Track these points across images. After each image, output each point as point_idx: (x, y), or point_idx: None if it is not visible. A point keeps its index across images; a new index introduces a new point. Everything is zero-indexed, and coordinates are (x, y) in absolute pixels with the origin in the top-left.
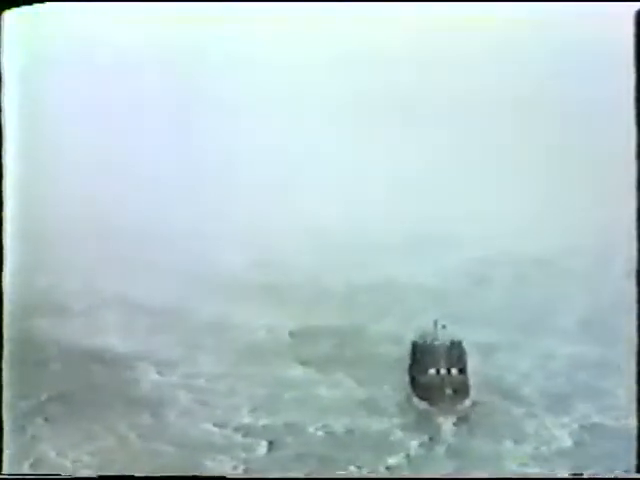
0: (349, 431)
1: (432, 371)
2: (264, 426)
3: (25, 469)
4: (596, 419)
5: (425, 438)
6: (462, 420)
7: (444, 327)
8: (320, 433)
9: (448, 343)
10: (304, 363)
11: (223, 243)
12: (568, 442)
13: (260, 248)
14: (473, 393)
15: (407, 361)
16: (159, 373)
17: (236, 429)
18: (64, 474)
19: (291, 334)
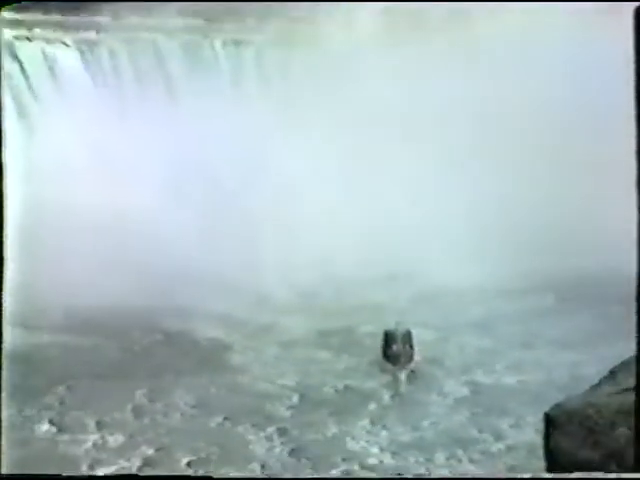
0: (347, 387)
1: (394, 346)
2: (297, 383)
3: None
4: (482, 379)
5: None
6: (410, 374)
7: (399, 324)
8: (331, 390)
9: (404, 331)
10: (322, 349)
11: None
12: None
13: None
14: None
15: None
16: None
17: (282, 386)
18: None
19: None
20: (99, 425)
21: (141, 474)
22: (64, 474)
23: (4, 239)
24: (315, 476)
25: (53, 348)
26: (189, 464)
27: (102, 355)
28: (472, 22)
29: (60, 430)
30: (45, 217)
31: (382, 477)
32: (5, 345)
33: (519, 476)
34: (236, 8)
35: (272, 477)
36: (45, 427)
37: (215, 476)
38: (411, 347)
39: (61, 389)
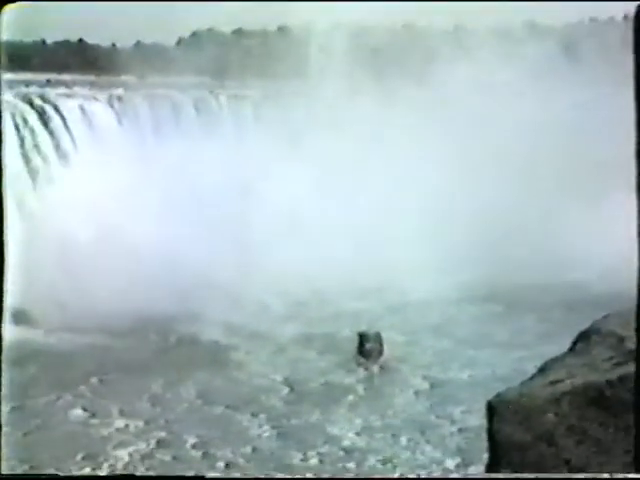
0: (329, 382)
1: (367, 345)
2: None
3: None
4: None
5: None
6: (380, 369)
7: (371, 328)
8: (315, 384)
9: (374, 332)
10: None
11: None
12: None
13: None
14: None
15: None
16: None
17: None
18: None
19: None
20: (121, 412)
21: (154, 454)
22: (63, 474)
23: (4, 239)
24: (317, 476)
25: (88, 347)
26: (194, 445)
27: (125, 353)
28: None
29: (90, 415)
30: (77, 237)
31: (382, 477)
32: (51, 344)
33: (520, 476)
34: (236, 67)
35: (272, 477)
36: (78, 412)
37: (217, 454)
38: (381, 345)
39: (93, 380)
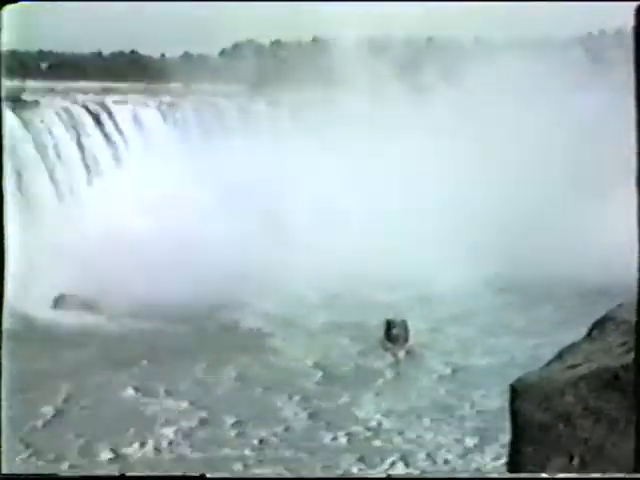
0: (359, 366)
1: (394, 330)
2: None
3: None
4: (460, 360)
5: (393, 362)
6: (406, 354)
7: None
8: (346, 369)
9: (400, 320)
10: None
11: None
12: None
13: None
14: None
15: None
16: None
17: (308, 365)
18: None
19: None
20: (168, 392)
21: (196, 433)
22: (63, 474)
23: (4, 239)
24: (320, 476)
25: (142, 333)
26: (232, 425)
27: (174, 338)
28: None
29: (140, 394)
30: (133, 231)
31: (382, 477)
32: (111, 329)
33: (520, 476)
34: (273, 76)
35: (273, 477)
36: (130, 392)
37: (252, 433)
38: (406, 331)
39: (144, 363)
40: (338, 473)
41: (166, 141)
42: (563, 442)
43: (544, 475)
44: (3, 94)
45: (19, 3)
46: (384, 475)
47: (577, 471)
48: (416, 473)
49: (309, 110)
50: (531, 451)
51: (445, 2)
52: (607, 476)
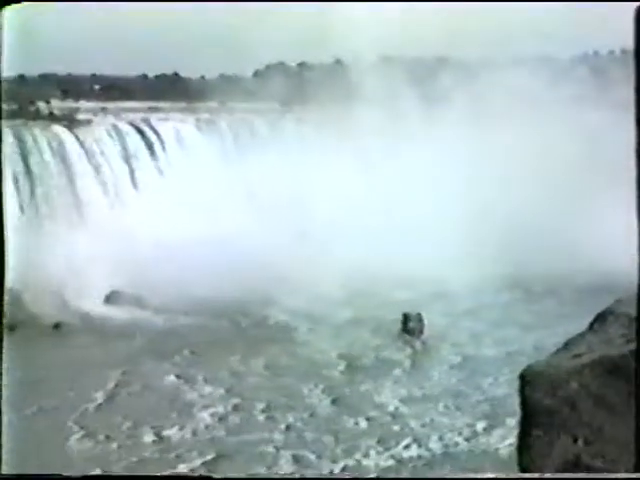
0: (379, 358)
1: (410, 323)
2: (344, 354)
3: None
4: (470, 351)
5: (410, 352)
6: (422, 345)
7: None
8: (368, 360)
9: (415, 314)
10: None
11: None
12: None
13: None
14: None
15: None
16: None
17: (333, 356)
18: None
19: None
20: (206, 380)
21: (229, 417)
22: (64, 474)
23: (4, 239)
24: (320, 475)
25: (184, 326)
26: (263, 410)
27: (211, 332)
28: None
29: (182, 381)
30: (171, 238)
31: (383, 477)
32: (157, 322)
33: (521, 476)
34: (300, 94)
35: (273, 477)
36: (172, 378)
37: (280, 418)
38: (421, 324)
39: (185, 353)
40: (358, 455)
41: (203, 154)
42: (568, 425)
43: (544, 475)
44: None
45: (21, 3)
46: (397, 458)
47: (580, 451)
48: (427, 455)
49: (332, 125)
50: (539, 433)
51: (455, 19)
52: (607, 476)
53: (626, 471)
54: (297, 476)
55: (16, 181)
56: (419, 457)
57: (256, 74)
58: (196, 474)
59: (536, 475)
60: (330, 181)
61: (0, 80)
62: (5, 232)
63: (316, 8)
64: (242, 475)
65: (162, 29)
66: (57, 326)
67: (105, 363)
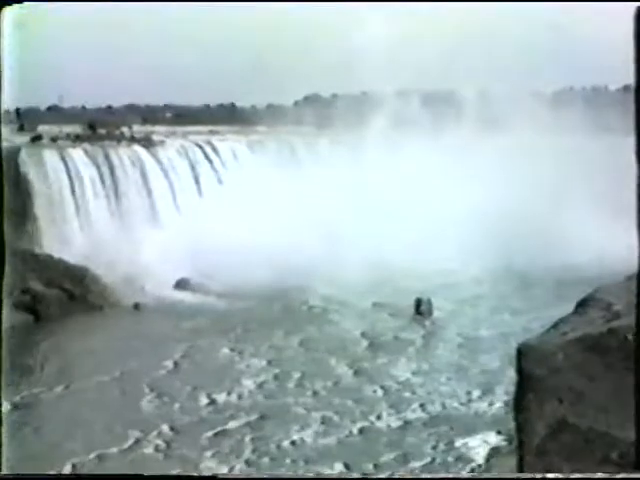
0: (397, 337)
1: (422, 307)
2: (367, 334)
3: None
4: (469, 332)
5: (422, 333)
6: (431, 325)
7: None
8: (387, 338)
9: (426, 299)
10: (384, 314)
11: None
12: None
13: None
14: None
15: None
16: None
17: (357, 335)
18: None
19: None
20: (252, 354)
21: (268, 385)
22: (64, 473)
23: (4, 239)
24: (320, 476)
25: (238, 309)
26: (298, 379)
27: (260, 313)
28: None
29: (234, 354)
30: (229, 236)
31: (383, 477)
32: (217, 305)
33: (521, 476)
34: (333, 121)
35: (273, 477)
36: (226, 351)
37: (308, 385)
38: (430, 307)
39: (238, 330)
40: (372, 417)
41: (254, 168)
42: (555, 390)
43: (545, 475)
44: (3, 93)
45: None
46: (404, 419)
47: (566, 411)
48: (426, 417)
49: (360, 146)
50: (531, 396)
51: (466, 56)
52: (607, 476)
53: (604, 426)
54: (297, 476)
55: (105, 189)
56: (423, 419)
57: (296, 104)
58: (200, 470)
59: (537, 475)
60: (355, 189)
61: (0, 80)
62: (4, 234)
63: (345, 51)
64: (243, 475)
65: (219, 61)
66: (136, 306)
67: (174, 338)
